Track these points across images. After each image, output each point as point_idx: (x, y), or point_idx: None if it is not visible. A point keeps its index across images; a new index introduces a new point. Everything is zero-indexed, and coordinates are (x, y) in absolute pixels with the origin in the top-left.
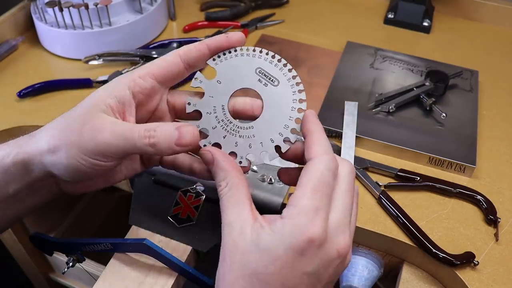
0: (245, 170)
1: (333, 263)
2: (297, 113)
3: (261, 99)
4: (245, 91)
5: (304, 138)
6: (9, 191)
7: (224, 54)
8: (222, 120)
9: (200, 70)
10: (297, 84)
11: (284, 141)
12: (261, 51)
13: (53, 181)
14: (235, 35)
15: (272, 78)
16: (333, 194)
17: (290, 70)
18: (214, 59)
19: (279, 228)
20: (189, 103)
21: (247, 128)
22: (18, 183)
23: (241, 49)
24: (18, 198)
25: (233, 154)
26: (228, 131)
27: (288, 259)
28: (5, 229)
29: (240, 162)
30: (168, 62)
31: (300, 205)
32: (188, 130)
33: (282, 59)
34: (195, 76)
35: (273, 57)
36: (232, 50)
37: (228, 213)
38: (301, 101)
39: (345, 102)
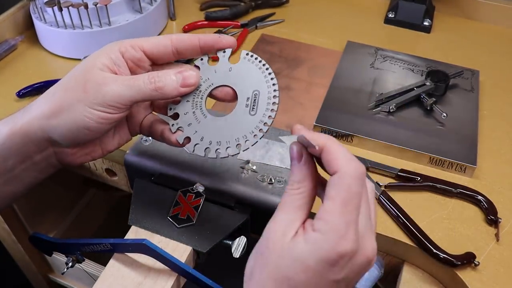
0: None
1: (363, 268)
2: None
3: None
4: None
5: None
6: (7, 166)
7: (247, 54)
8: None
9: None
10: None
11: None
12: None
13: (52, 151)
14: (227, 38)
15: (254, 106)
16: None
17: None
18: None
19: (312, 240)
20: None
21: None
22: (16, 156)
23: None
24: (16, 173)
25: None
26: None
27: (319, 269)
28: (1, 210)
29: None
30: (158, 41)
31: (331, 221)
32: (190, 74)
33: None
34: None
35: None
36: (252, 58)
37: (284, 212)
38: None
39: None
